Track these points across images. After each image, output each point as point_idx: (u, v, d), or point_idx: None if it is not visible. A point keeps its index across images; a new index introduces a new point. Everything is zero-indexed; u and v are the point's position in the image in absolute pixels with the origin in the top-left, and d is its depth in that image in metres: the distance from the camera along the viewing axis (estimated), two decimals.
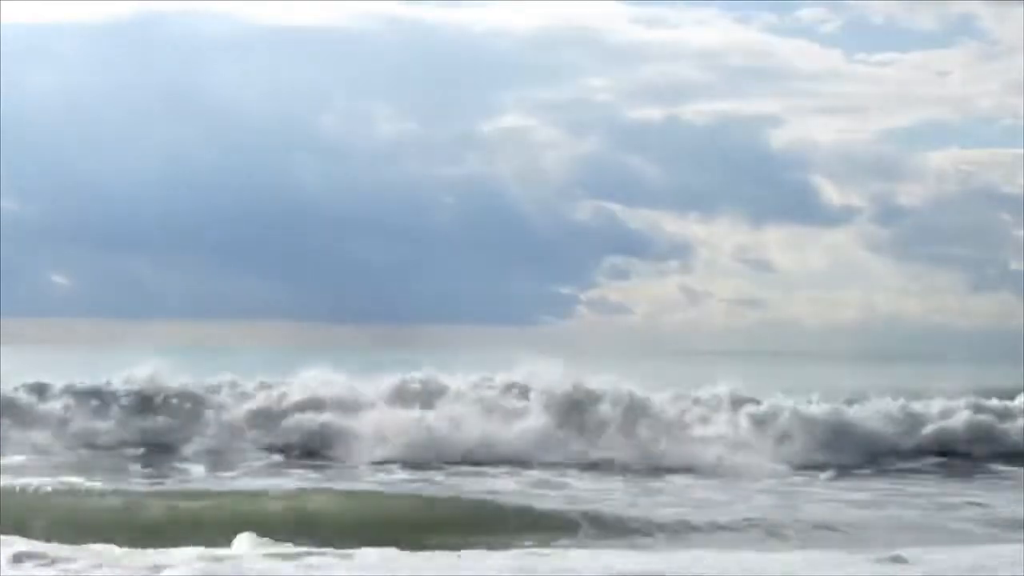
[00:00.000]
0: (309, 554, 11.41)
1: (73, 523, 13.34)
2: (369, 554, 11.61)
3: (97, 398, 23.06)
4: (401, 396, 23.12)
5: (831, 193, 74.26)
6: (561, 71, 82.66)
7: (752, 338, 68.09)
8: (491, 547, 12.54)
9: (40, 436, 21.95)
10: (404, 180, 68.33)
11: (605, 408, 22.30)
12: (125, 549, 11.58)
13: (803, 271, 75.26)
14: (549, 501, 16.22)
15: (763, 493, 17.95)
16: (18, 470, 18.10)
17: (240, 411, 22.94)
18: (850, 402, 24.37)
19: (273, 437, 22.29)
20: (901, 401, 24.58)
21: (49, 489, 15.17)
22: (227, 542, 12.03)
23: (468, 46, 77.14)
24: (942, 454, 23.28)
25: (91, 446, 21.95)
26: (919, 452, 23.24)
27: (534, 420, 22.02)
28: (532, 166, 74.50)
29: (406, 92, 72.97)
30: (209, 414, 22.80)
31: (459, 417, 21.91)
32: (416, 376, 23.80)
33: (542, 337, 68.51)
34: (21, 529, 12.27)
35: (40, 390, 23.17)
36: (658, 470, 20.19)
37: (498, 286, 68.12)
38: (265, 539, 12.03)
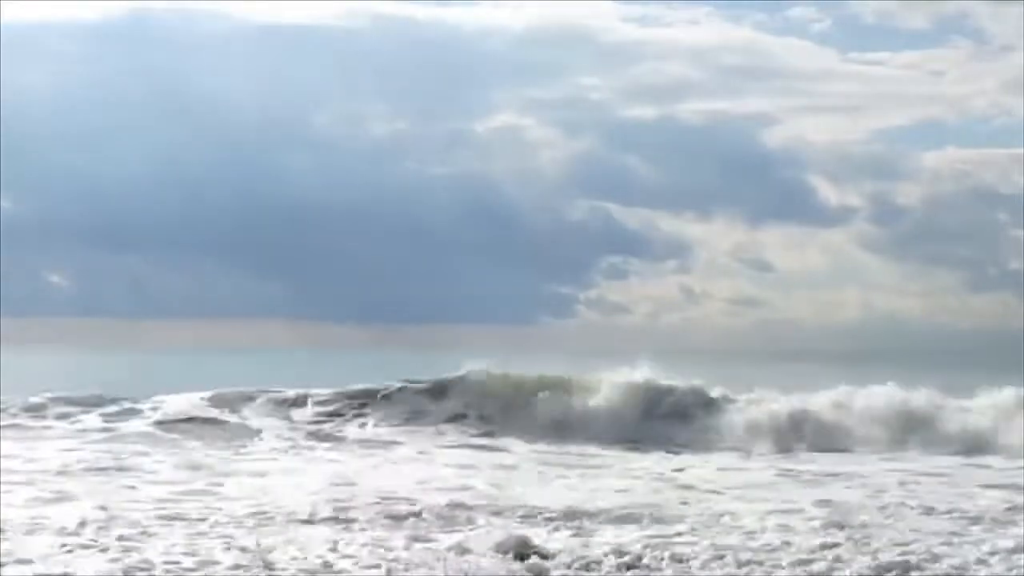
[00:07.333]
0: None
1: None
2: None
3: None
4: None
5: (827, 193, 74.42)
6: (554, 70, 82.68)
7: (752, 338, 68.20)
8: None
9: None
10: (399, 179, 68.31)
11: None
12: None
13: (801, 271, 75.42)
14: None
15: None
16: None
17: None
18: None
19: None
20: None
21: None
22: None
23: (461, 45, 77.12)
24: None
25: None
26: None
27: None
28: (527, 165, 74.52)
29: (400, 91, 73.00)
30: None
31: None
32: None
33: (541, 337, 68.55)
34: None
35: None
36: None
37: (497, 286, 68.06)
38: None
